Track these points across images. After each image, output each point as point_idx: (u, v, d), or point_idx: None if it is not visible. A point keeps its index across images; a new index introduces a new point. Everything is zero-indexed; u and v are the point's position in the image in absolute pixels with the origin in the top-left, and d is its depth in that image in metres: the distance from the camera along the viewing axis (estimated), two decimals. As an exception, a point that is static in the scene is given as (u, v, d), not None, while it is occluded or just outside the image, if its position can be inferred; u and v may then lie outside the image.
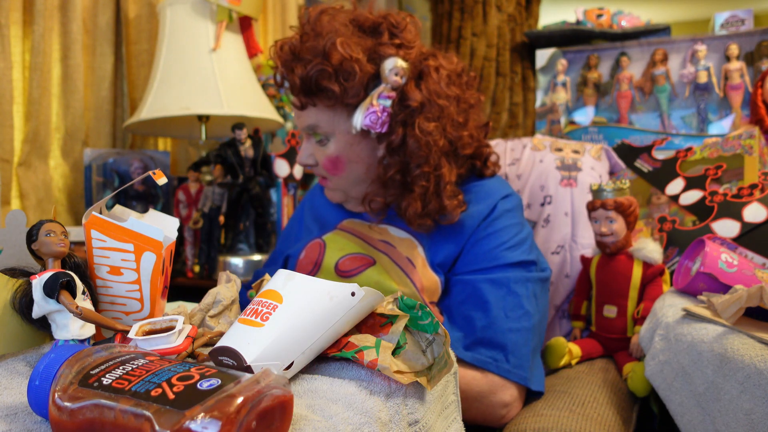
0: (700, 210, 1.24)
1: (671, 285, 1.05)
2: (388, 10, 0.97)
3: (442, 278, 0.95)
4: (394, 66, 0.90)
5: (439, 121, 0.92)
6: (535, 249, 1.00)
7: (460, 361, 0.89)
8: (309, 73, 0.89)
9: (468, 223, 0.96)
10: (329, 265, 0.98)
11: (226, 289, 0.67)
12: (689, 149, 1.34)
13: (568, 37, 2.38)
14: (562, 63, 2.13)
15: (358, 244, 0.99)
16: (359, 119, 0.90)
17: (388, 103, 0.90)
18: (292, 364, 0.51)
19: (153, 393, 0.38)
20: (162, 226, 0.61)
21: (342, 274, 0.97)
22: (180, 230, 1.54)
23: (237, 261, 1.46)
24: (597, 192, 1.08)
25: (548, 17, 3.33)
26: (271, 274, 0.66)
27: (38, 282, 0.51)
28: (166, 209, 1.61)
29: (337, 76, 0.89)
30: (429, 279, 0.94)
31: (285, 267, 1.12)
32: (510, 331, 0.89)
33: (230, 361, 0.50)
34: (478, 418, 0.89)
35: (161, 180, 0.60)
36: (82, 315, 0.51)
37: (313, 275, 0.99)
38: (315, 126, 0.95)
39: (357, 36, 0.92)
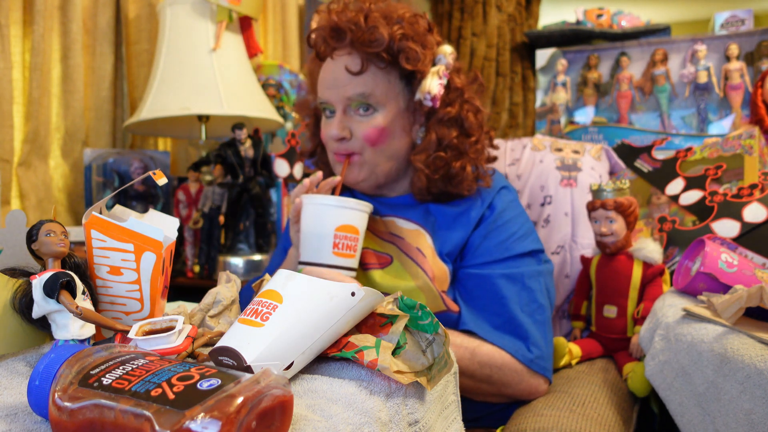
0: (700, 210, 1.24)
1: (671, 285, 1.05)
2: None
3: (450, 267, 0.97)
4: (453, 51, 1.00)
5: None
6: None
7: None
8: (397, 32, 0.93)
9: (472, 213, 0.99)
10: None
11: (226, 289, 0.67)
12: (689, 149, 1.34)
13: (568, 37, 2.38)
14: (562, 63, 2.13)
15: (372, 239, 1.00)
16: (434, 85, 0.95)
17: (445, 81, 0.97)
18: (292, 364, 0.51)
19: (153, 393, 0.38)
20: (162, 226, 0.61)
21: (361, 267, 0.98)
22: (180, 230, 1.53)
23: (237, 261, 1.46)
24: (597, 192, 1.08)
25: (548, 17, 3.33)
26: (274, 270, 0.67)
27: (38, 282, 0.51)
28: (166, 209, 1.61)
29: (417, 42, 0.94)
30: (439, 268, 0.96)
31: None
32: (529, 324, 0.93)
33: (230, 361, 0.50)
34: (491, 391, 0.92)
35: (161, 180, 0.59)
36: (82, 315, 0.51)
37: None
38: (368, 94, 0.95)
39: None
